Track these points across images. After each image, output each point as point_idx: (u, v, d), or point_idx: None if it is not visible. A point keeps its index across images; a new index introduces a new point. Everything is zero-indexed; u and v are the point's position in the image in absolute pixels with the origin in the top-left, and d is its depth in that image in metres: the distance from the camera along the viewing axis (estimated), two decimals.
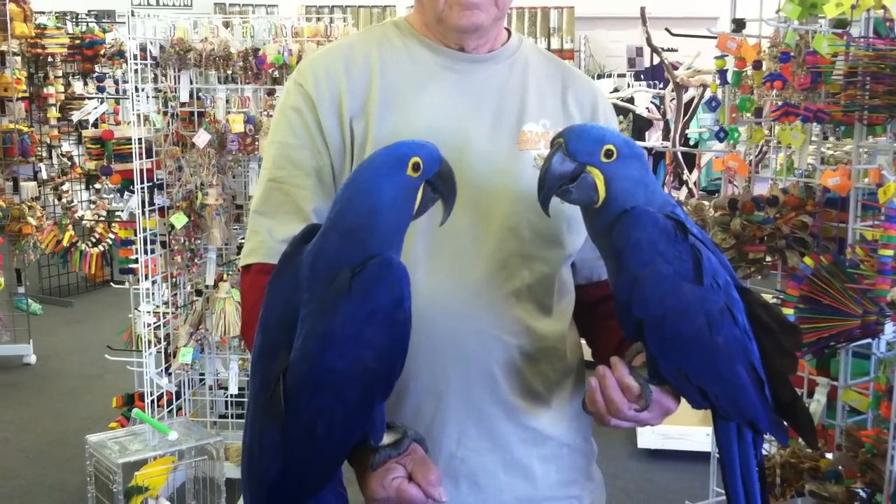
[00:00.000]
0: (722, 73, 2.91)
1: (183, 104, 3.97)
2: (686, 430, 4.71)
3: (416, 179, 1.35)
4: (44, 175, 6.74)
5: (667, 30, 6.48)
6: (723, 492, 1.53)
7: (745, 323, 1.43)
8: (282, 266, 1.41)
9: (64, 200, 6.94)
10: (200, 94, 4.01)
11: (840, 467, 2.58)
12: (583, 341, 1.72)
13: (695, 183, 6.20)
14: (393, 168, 1.35)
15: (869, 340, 2.60)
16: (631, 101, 7.69)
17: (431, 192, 1.39)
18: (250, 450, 1.38)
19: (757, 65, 2.79)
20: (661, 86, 7.74)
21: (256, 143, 3.86)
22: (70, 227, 6.73)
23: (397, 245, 1.36)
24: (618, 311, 1.43)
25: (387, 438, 1.38)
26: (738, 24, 2.88)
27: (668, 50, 7.18)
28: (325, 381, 1.29)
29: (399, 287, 1.31)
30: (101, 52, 7.12)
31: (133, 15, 3.89)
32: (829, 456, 2.68)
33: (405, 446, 1.37)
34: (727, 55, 2.85)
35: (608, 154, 1.38)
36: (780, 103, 2.67)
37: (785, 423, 1.51)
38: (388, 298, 1.30)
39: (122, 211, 4.37)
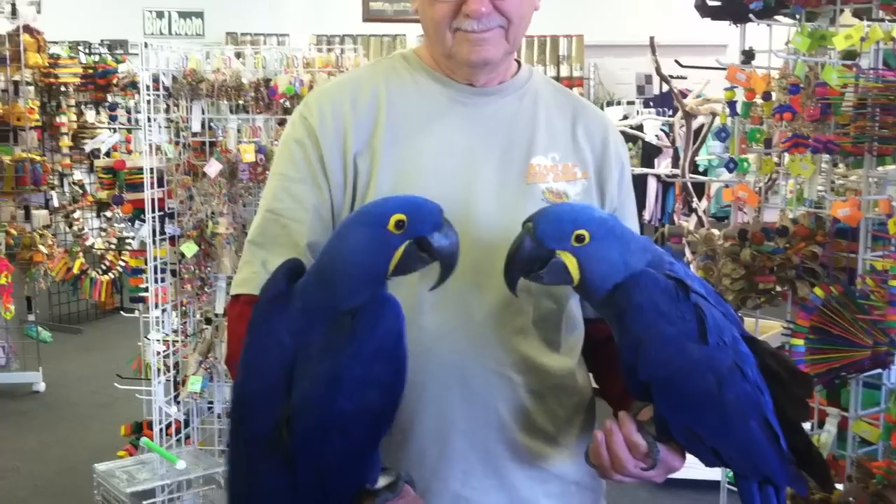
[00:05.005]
0: (731, 104, 2.91)
1: (195, 134, 3.99)
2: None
3: (397, 237, 1.31)
4: (55, 203, 6.74)
5: (676, 61, 6.50)
6: None
7: (755, 376, 1.40)
8: (273, 307, 1.39)
9: (75, 228, 6.95)
10: (212, 124, 4.03)
11: (851, 499, 2.56)
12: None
13: (704, 210, 6.18)
14: (373, 219, 1.33)
15: (879, 371, 2.59)
16: (640, 128, 7.69)
17: (418, 250, 1.33)
18: (248, 493, 1.36)
19: (766, 96, 2.79)
20: (671, 113, 7.74)
21: (267, 172, 3.87)
22: (81, 254, 6.74)
23: (371, 295, 1.33)
24: (624, 373, 1.41)
25: (382, 481, 1.37)
26: (748, 56, 2.89)
27: (678, 77, 7.18)
28: (336, 424, 1.29)
29: (397, 323, 1.32)
30: (114, 82, 7.15)
31: (146, 46, 3.91)
32: (840, 487, 2.66)
33: (400, 488, 1.38)
34: (737, 86, 2.86)
35: (579, 239, 1.36)
36: (789, 134, 2.67)
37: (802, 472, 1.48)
38: (391, 335, 1.31)
39: (133, 239, 4.38)
